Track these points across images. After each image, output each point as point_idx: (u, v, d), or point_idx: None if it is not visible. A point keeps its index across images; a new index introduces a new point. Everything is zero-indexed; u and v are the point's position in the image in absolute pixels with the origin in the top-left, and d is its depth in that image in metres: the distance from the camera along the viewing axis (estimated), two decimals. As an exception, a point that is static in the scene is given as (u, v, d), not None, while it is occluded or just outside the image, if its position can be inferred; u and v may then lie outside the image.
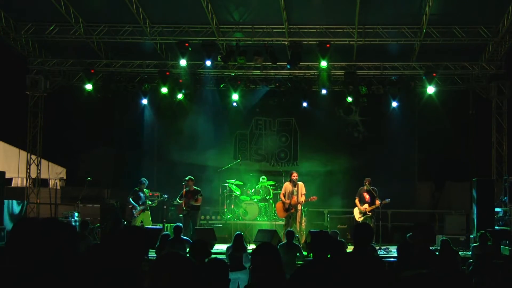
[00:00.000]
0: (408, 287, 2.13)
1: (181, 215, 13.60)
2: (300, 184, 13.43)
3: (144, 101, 17.15)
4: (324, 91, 15.92)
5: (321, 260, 3.90)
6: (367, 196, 13.40)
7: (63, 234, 3.22)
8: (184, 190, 13.50)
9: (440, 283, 2.12)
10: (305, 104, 16.80)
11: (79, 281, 3.01)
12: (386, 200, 13.25)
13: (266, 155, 17.91)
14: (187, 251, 10.39)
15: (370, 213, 13.33)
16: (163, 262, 2.50)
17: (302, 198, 13.26)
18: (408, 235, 10.55)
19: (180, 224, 11.11)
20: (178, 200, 13.65)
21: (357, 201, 13.58)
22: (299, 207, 13.31)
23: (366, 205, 13.38)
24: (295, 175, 13.44)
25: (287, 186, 13.55)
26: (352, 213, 13.98)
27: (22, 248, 2.83)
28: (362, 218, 13.34)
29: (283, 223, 13.73)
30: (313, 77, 16.21)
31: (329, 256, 9.16)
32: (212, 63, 14.60)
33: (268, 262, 3.70)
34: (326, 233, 12.06)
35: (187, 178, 13.61)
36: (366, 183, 13.53)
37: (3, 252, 3.03)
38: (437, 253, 8.90)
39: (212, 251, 12.53)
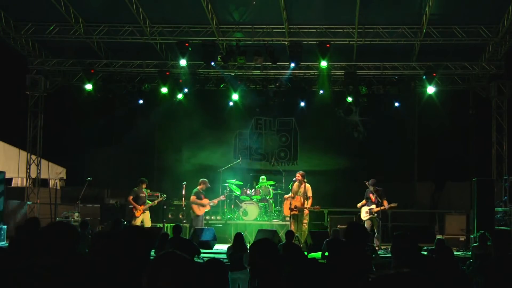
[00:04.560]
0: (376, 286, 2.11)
1: (198, 215, 13.88)
2: (307, 186, 13.34)
3: (144, 101, 17.12)
4: (323, 91, 15.95)
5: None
6: (373, 197, 13.34)
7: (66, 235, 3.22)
8: (202, 191, 13.91)
9: (420, 283, 2.09)
10: (305, 104, 16.79)
11: (81, 281, 3.01)
12: (393, 204, 13.24)
13: (266, 154, 17.91)
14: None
15: (375, 215, 13.28)
16: (162, 262, 2.50)
17: (307, 205, 13.21)
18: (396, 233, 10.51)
19: (180, 224, 11.10)
20: (197, 200, 13.87)
21: (363, 202, 13.49)
22: (306, 211, 13.26)
23: (373, 206, 13.30)
24: (297, 175, 13.43)
25: (294, 186, 13.51)
26: (352, 213, 13.97)
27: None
28: (368, 217, 13.29)
29: (284, 222, 13.74)
30: (313, 77, 16.22)
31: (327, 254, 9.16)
32: (214, 63, 14.67)
33: (267, 257, 3.70)
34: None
35: (206, 180, 14.15)
36: (371, 186, 13.44)
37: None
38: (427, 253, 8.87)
39: (212, 251, 12.57)
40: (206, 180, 14.22)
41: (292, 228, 12.89)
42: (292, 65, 14.63)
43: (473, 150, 16.85)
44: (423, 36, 13.98)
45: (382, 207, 13.20)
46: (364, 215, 13.38)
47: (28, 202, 15.89)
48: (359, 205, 13.47)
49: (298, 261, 4.78)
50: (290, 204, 13.23)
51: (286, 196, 13.67)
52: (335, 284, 2.85)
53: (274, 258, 3.71)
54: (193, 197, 13.90)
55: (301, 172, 13.61)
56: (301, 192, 13.23)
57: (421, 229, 15.74)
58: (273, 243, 4.06)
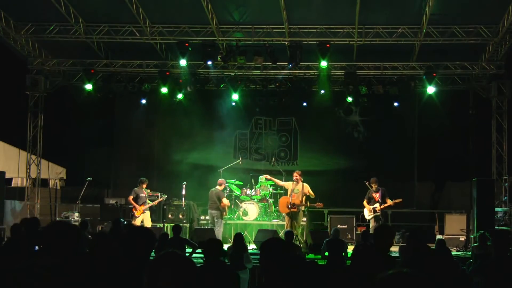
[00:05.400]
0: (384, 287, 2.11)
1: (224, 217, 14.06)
2: (305, 184, 13.42)
3: (144, 101, 17.11)
4: (323, 91, 15.94)
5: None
6: (376, 196, 13.34)
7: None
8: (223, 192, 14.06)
9: (420, 283, 2.10)
10: (305, 104, 16.80)
11: (81, 281, 3.01)
12: (397, 200, 13.27)
13: (266, 154, 17.91)
14: (187, 250, 10.42)
15: (379, 212, 13.29)
16: (162, 262, 2.50)
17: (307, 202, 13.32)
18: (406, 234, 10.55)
19: (180, 224, 11.10)
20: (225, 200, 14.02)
21: (365, 202, 13.53)
22: (302, 208, 13.35)
23: (377, 205, 13.31)
24: (297, 175, 13.46)
25: (289, 184, 13.63)
26: (352, 213, 13.96)
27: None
28: (373, 215, 13.29)
29: (284, 222, 13.76)
30: (313, 77, 16.21)
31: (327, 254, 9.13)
32: (212, 63, 14.66)
33: (270, 258, 3.70)
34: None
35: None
36: (373, 185, 13.45)
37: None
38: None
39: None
40: (224, 180, 14.38)
41: (287, 226, 12.98)
42: (290, 65, 14.63)
43: (473, 150, 16.85)
44: (423, 36, 13.97)
45: (386, 204, 13.23)
46: (369, 213, 13.40)
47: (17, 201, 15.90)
48: (365, 205, 13.53)
49: (298, 261, 4.77)
50: (290, 202, 13.25)
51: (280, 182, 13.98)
52: (335, 284, 2.85)
53: (277, 258, 3.70)
54: (226, 199, 14.10)
55: (298, 171, 13.69)
56: (299, 190, 13.27)
57: (421, 229, 15.74)
58: (279, 244, 4.02)
